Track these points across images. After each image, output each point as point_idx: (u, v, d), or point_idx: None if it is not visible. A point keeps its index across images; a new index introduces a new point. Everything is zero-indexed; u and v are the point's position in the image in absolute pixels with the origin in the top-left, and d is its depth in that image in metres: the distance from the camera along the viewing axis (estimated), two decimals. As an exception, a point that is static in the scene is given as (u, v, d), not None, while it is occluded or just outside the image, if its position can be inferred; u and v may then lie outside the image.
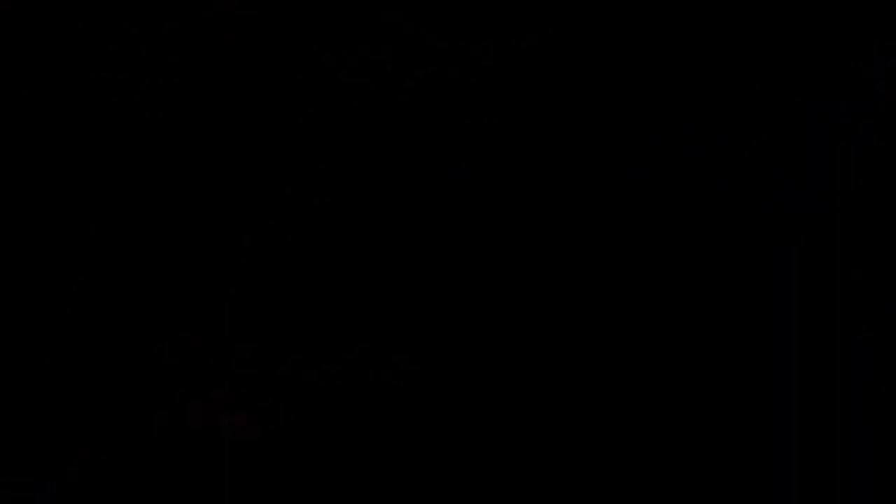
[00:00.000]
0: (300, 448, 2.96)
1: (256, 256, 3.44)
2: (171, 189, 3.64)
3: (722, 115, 3.70)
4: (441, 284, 3.36)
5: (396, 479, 2.90)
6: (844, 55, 3.79)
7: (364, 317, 3.28)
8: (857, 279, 3.27)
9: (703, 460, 2.94)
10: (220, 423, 2.99)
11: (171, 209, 3.58)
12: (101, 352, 3.18)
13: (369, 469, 2.92)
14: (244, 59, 4.07)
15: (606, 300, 3.28)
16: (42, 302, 3.31)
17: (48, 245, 3.47)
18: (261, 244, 3.48)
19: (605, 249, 3.40)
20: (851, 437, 2.97)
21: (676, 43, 3.89)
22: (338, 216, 3.56)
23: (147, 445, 2.95)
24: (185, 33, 4.15)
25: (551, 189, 3.56)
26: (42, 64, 4.07)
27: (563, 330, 3.22)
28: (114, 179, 3.68)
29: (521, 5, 4.11)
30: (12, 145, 3.79)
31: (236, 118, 3.88)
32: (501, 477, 2.91)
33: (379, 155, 3.74)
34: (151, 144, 3.79)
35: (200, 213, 3.57)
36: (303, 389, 3.09)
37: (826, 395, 3.05)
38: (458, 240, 3.47)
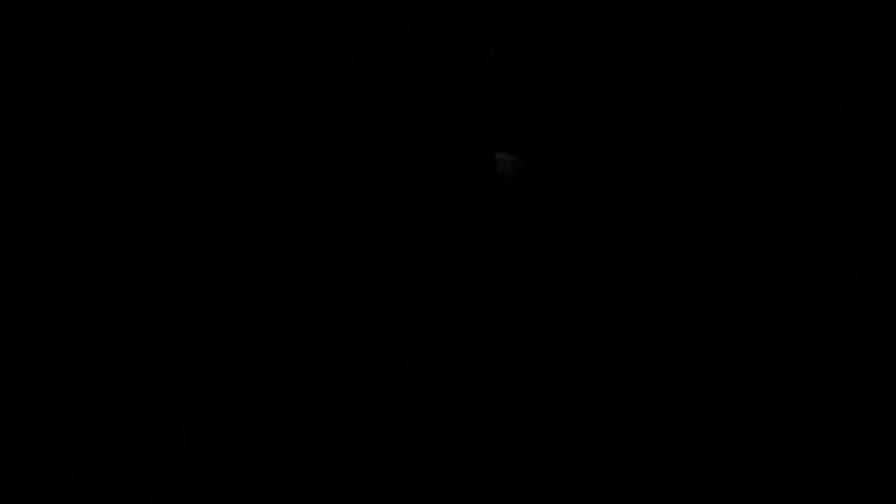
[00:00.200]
0: (300, 448, 2.96)
1: (256, 256, 3.44)
2: (171, 189, 3.65)
3: (722, 115, 3.70)
4: (441, 284, 3.36)
5: (397, 478, 2.90)
6: (844, 55, 3.79)
7: (364, 317, 3.28)
8: (857, 279, 3.27)
9: (704, 460, 2.94)
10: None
11: (171, 209, 3.58)
12: (101, 352, 3.18)
13: (369, 469, 2.92)
14: (244, 59, 4.07)
15: (606, 300, 3.29)
16: (42, 302, 3.31)
17: (48, 245, 3.47)
18: (261, 244, 3.48)
19: (605, 249, 3.40)
20: (851, 437, 2.97)
21: (676, 43, 3.90)
22: (338, 216, 3.56)
23: (147, 445, 2.95)
24: (185, 33, 4.16)
25: (551, 189, 3.57)
26: (42, 64, 4.07)
27: (563, 329, 3.23)
28: (114, 179, 3.68)
29: (521, 5, 4.12)
30: (12, 145, 3.79)
31: (236, 118, 3.88)
32: (501, 477, 2.91)
33: (379, 155, 3.74)
34: (151, 144, 3.79)
35: (200, 214, 3.57)
36: (303, 389, 3.09)
37: (826, 395, 3.05)
38: (457, 240, 3.48)
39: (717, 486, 2.90)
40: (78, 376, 3.11)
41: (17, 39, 4.15)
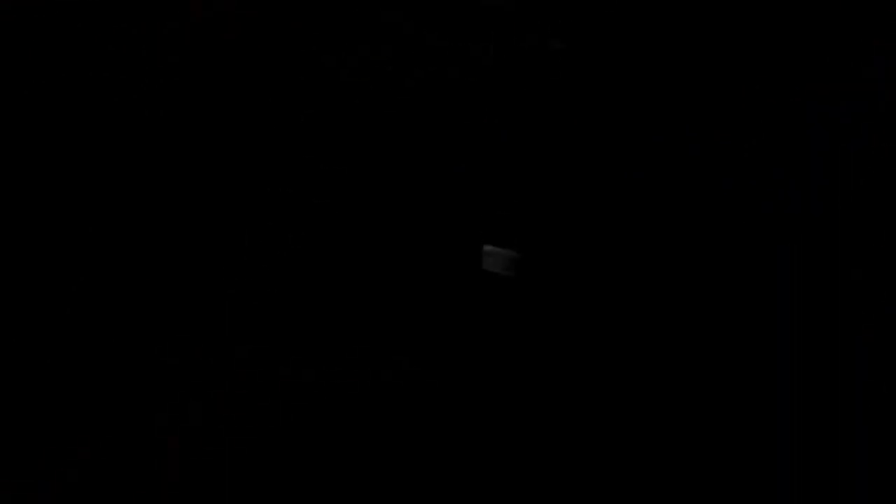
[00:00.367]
0: (300, 448, 2.96)
1: (256, 256, 3.44)
2: (171, 189, 3.64)
3: (722, 115, 3.70)
4: (440, 284, 3.36)
5: (396, 478, 2.90)
6: (844, 55, 3.79)
7: (364, 317, 3.28)
8: (857, 279, 3.27)
9: (703, 460, 2.94)
10: None
11: (171, 209, 3.58)
12: (101, 352, 3.18)
13: (369, 469, 2.92)
14: (244, 59, 4.07)
15: (606, 300, 3.29)
16: (42, 302, 3.31)
17: (48, 245, 3.47)
18: (261, 244, 3.48)
19: (605, 249, 3.40)
20: (851, 436, 2.96)
21: (676, 43, 3.89)
22: (338, 216, 3.56)
23: (147, 445, 2.95)
24: (185, 33, 4.16)
25: (551, 189, 3.56)
26: (42, 64, 4.07)
27: (563, 329, 3.23)
28: (114, 179, 3.68)
29: (521, 5, 4.12)
30: (12, 145, 3.79)
31: (236, 118, 3.88)
32: (501, 477, 2.91)
33: (379, 155, 3.74)
34: (151, 144, 3.79)
35: (200, 214, 3.57)
36: (303, 389, 3.09)
37: (826, 395, 3.05)
38: (457, 239, 3.47)
39: (717, 486, 2.90)
40: (78, 376, 3.11)
41: (17, 39, 4.15)
